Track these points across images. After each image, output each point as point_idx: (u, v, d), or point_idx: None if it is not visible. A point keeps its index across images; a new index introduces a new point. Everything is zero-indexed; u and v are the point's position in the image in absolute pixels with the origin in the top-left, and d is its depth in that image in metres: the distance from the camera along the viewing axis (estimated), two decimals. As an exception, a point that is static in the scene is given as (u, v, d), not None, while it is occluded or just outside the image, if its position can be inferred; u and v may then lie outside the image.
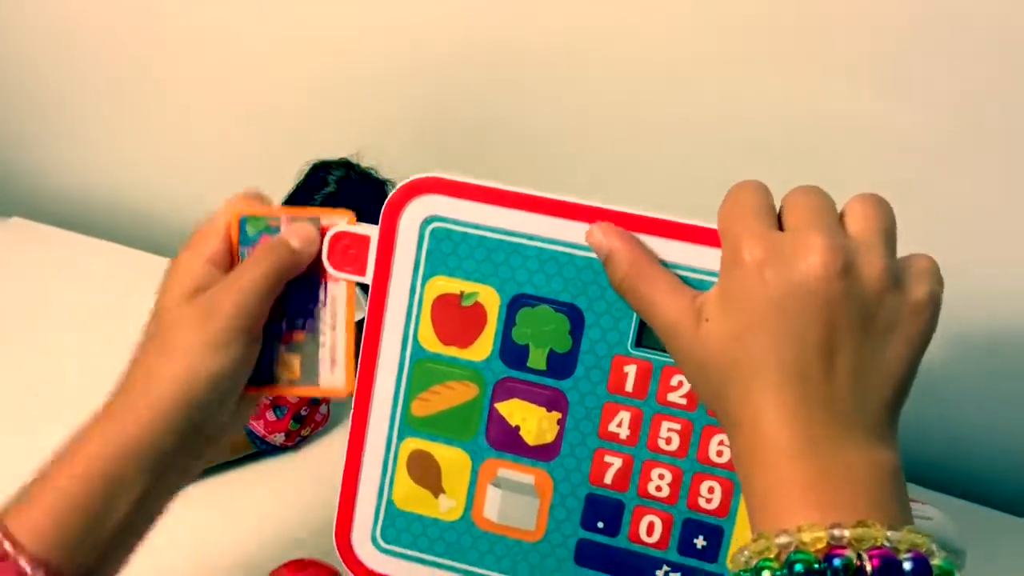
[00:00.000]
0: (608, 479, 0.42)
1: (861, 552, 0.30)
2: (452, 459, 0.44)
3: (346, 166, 0.58)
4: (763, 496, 0.33)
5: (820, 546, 0.30)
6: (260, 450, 0.63)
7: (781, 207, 0.36)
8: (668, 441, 0.41)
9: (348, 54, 0.74)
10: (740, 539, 0.41)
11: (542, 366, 0.42)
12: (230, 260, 0.43)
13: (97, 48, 0.84)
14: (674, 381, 0.41)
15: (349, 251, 0.43)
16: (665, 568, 0.42)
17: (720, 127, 0.64)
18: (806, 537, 0.31)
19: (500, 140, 0.72)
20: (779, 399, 0.33)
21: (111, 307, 0.75)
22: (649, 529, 0.42)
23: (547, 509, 0.43)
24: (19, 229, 0.90)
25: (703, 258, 0.39)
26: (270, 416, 0.63)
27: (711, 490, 0.41)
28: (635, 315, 0.40)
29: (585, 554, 0.43)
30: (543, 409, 0.42)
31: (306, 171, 0.59)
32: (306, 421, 0.64)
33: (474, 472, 0.43)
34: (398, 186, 0.42)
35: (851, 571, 0.30)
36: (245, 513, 0.60)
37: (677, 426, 0.41)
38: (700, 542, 0.42)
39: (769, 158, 0.61)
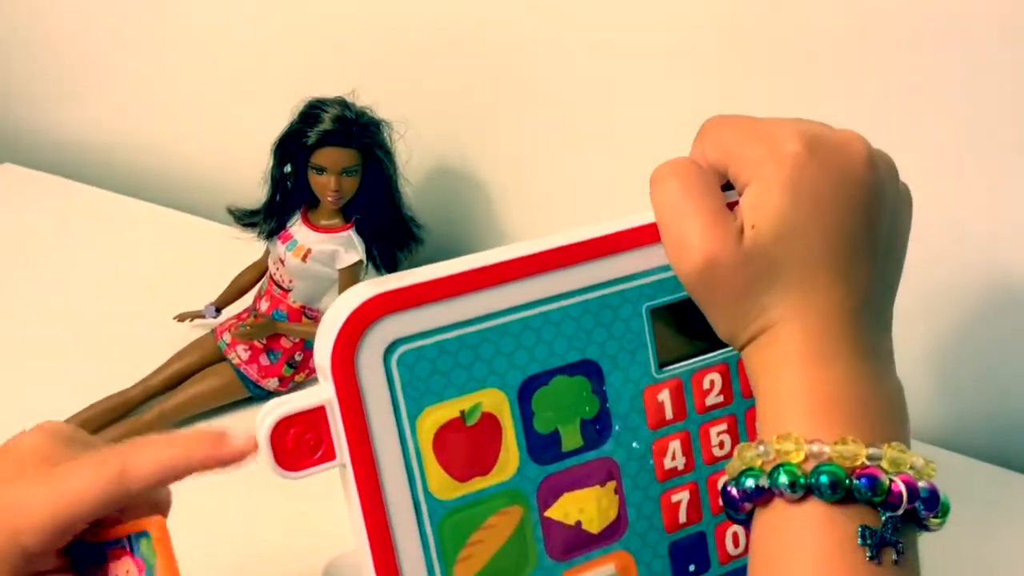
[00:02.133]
0: (683, 518, 0.37)
1: (892, 476, 0.30)
2: (523, 602, 0.35)
3: (341, 104, 0.56)
4: (787, 400, 0.31)
5: (855, 463, 0.30)
6: (253, 395, 0.60)
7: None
8: (721, 446, 0.38)
9: None
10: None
11: (579, 443, 0.35)
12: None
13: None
14: (706, 383, 0.37)
15: (304, 438, 0.31)
16: (761, 568, 0.39)
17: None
18: (842, 450, 0.30)
19: (495, 81, 0.67)
20: (827, 297, 0.32)
21: (102, 253, 0.77)
22: (735, 541, 0.38)
23: (638, 587, 0.37)
24: (11, 175, 0.91)
25: None
26: (264, 361, 0.60)
27: (772, 468, 0.39)
28: (648, 337, 0.36)
29: (689, 606, 0.38)
30: (597, 487, 0.36)
31: (301, 108, 0.57)
32: (300, 366, 0.61)
33: (552, 600, 0.36)
34: (337, 328, 0.31)
35: (879, 492, 0.29)
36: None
37: (723, 426, 0.38)
38: (780, 523, 0.39)
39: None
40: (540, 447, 0.35)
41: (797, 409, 0.31)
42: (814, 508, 0.29)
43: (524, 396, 0.34)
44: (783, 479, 0.30)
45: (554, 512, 0.35)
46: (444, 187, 0.72)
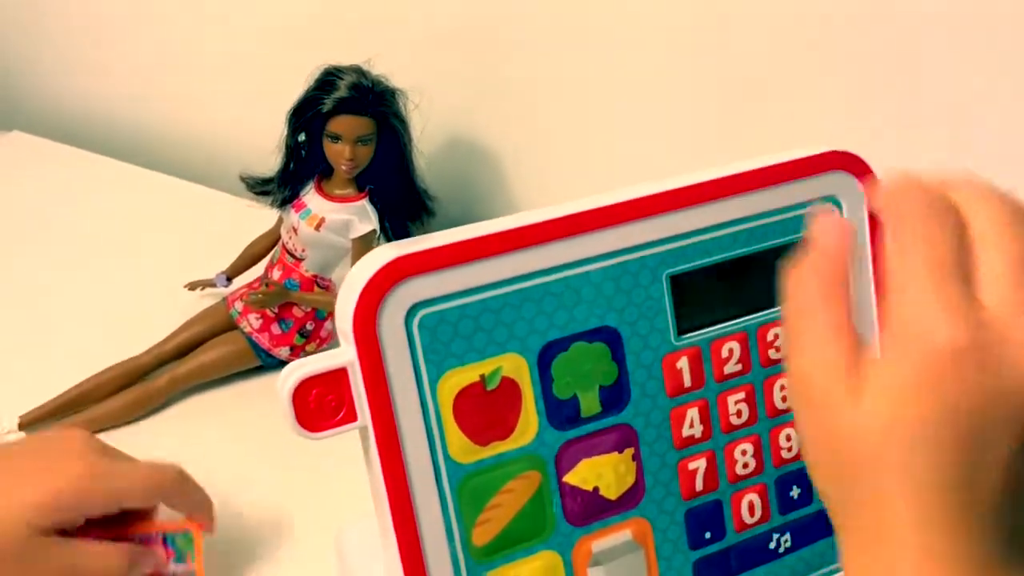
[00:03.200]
0: (699, 486, 0.37)
1: None
2: (540, 567, 0.35)
3: (358, 72, 0.57)
4: None
5: None
6: (265, 363, 0.61)
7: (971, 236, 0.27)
8: (739, 415, 0.38)
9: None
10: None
11: (597, 409, 0.35)
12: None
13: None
14: (724, 352, 0.37)
15: (326, 399, 0.31)
16: (775, 535, 0.39)
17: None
18: None
19: (510, 52, 0.67)
20: (940, 527, 0.26)
21: (111, 221, 0.78)
22: (750, 509, 0.39)
23: (653, 553, 0.37)
24: (19, 143, 0.92)
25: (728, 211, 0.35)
26: (275, 330, 0.60)
27: (788, 437, 0.39)
28: (668, 304, 0.36)
29: (704, 572, 0.38)
30: (615, 453, 0.36)
31: (317, 75, 0.57)
32: (311, 336, 0.61)
33: (568, 566, 0.36)
34: (358, 290, 0.31)
35: None
36: (249, 425, 0.57)
37: (741, 395, 0.38)
38: (795, 492, 0.39)
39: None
40: (559, 412, 0.35)
41: None
42: None
43: (544, 361, 0.34)
44: None
45: (572, 477, 0.35)
46: (457, 159, 0.72)
